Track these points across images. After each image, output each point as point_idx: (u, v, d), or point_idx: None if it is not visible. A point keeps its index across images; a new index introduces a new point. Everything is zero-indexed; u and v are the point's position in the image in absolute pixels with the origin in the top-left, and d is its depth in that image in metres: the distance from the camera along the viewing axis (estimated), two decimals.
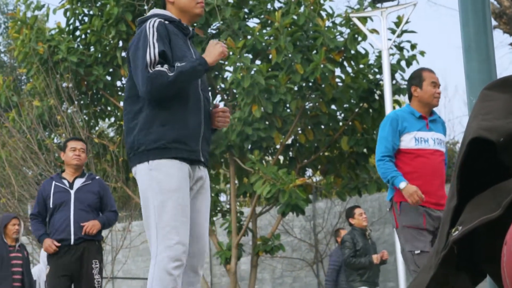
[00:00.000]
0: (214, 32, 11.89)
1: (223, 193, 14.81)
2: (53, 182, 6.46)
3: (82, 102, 12.53)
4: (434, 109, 5.67)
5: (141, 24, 3.87)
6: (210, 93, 12.48)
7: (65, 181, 6.49)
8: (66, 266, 6.26)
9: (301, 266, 16.43)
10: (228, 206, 13.71)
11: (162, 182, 3.65)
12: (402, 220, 5.36)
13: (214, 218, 13.45)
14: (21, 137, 11.90)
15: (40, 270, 9.67)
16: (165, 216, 3.62)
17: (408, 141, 5.46)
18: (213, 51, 3.77)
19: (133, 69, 3.77)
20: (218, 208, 13.47)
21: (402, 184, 5.31)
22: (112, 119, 13.57)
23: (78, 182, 6.51)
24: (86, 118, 12.70)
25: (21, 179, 12.21)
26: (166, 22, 3.85)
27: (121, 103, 12.69)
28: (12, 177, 11.88)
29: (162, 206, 3.63)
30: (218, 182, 13.55)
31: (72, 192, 6.43)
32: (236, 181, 12.73)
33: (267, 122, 11.59)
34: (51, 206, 6.34)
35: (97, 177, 6.68)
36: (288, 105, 11.59)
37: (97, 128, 13.64)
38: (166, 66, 3.65)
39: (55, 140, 13.45)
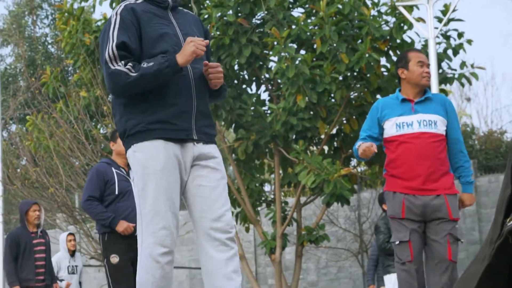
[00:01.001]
0: (258, 22, 11.88)
1: (267, 183, 14.81)
2: (113, 169, 6.32)
3: None
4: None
5: None
6: (254, 83, 12.30)
7: (123, 170, 6.38)
8: (134, 257, 6.03)
9: (346, 256, 16.39)
10: (272, 196, 13.73)
11: (144, 164, 3.50)
12: (388, 210, 5.26)
13: (259, 208, 13.48)
14: (68, 128, 12.04)
15: (59, 257, 9.74)
16: (148, 200, 3.47)
17: (389, 128, 5.28)
18: (186, 50, 3.48)
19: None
20: (263, 198, 13.49)
21: (357, 144, 5.22)
22: None
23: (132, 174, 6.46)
24: None
25: (69, 169, 12.35)
26: (138, 1, 3.63)
27: None
28: (59, 167, 12.02)
29: (145, 190, 3.49)
30: (263, 172, 13.57)
31: (132, 183, 6.36)
32: (281, 171, 12.73)
33: (311, 112, 11.56)
34: (116, 192, 6.21)
35: None
36: (333, 95, 11.54)
37: None
38: (129, 64, 3.47)
39: (102, 131, 13.58)
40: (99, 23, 12.40)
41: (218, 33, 11.43)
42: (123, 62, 3.48)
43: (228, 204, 3.64)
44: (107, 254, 6.16)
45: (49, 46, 28.94)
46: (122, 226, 6.09)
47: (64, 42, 12.41)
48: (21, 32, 28.47)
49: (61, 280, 9.49)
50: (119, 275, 6.11)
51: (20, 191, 12.48)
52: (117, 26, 3.53)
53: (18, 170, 13.92)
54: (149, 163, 3.48)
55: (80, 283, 10.04)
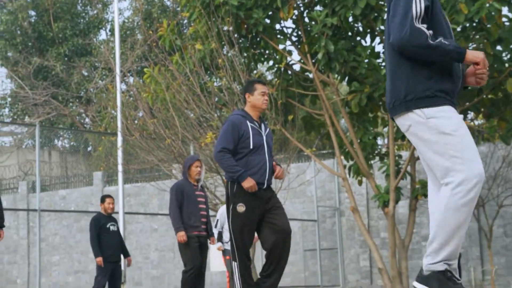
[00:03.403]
0: None
1: (380, 136, 14.67)
2: (247, 122, 6.33)
3: (242, 45, 12.70)
4: None
5: None
6: (369, 35, 12.15)
7: (256, 123, 6.39)
8: (259, 209, 6.25)
9: None
10: (386, 150, 13.60)
11: (443, 126, 3.70)
12: None
13: (372, 162, 13.39)
14: (184, 80, 12.24)
15: (224, 212, 10.04)
16: (458, 152, 3.67)
17: None
18: (477, 57, 3.75)
19: (391, 16, 3.79)
20: (376, 151, 13.38)
21: None
22: (271, 62, 13.69)
23: (263, 127, 6.45)
24: (246, 61, 12.88)
25: (184, 120, 12.58)
26: None
27: (280, 46, 12.77)
28: (175, 119, 12.27)
29: (449, 145, 3.68)
30: (376, 125, 13.43)
31: (264, 136, 6.39)
32: (395, 124, 12.55)
33: None
34: (251, 146, 6.25)
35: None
36: None
37: (255, 71, 13.80)
38: (430, 31, 3.68)
39: (216, 83, 13.74)
40: None
41: None
42: (425, 25, 3.70)
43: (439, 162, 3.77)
44: (235, 201, 6.23)
45: (165, 0, 29.37)
46: (249, 183, 6.16)
47: None
48: None
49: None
50: (242, 223, 6.22)
51: (139, 142, 12.85)
52: None
53: (136, 121, 14.31)
54: (447, 123, 3.70)
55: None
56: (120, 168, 13.93)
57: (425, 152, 3.77)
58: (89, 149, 30.67)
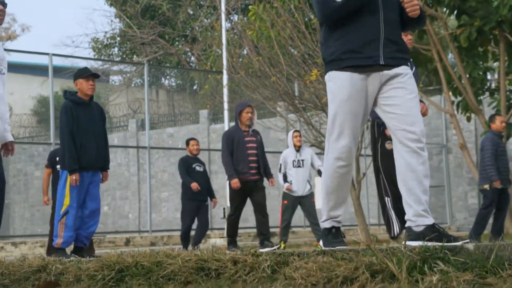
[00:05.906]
0: None
1: (491, 71, 14.28)
2: None
3: None
4: None
5: None
6: None
7: None
8: None
9: None
10: (496, 84, 13.23)
11: (335, 93, 3.99)
12: None
13: (482, 97, 13.06)
14: (288, 17, 12.17)
15: (286, 153, 10.28)
16: (336, 122, 4.00)
17: None
18: None
19: None
20: (486, 87, 13.04)
21: None
22: None
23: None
24: None
25: (289, 58, 12.56)
26: None
27: None
28: (280, 56, 12.25)
29: (334, 115, 4.00)
30: (486, 60, 13.05)
31: None
32: (506, 58, 12.20)
33: None
34: None
35: None
36: None
37: None
38: None
39: None
40: None
41: None
42: None
43: (417, 117, 4.11)
44: (383, 139, 6.75)
45: None
46: None
47: None
48: None
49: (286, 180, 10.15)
50: (391, 159, 6.49)
51: (244, 80, 12.93)
52: None
53: (241, 59, 14.37)
54: (338, 93, 3.97)
55: (319, 171, 10.65)
56: (225, 106, 14.09)
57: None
58: (195, 87, 31.10)
